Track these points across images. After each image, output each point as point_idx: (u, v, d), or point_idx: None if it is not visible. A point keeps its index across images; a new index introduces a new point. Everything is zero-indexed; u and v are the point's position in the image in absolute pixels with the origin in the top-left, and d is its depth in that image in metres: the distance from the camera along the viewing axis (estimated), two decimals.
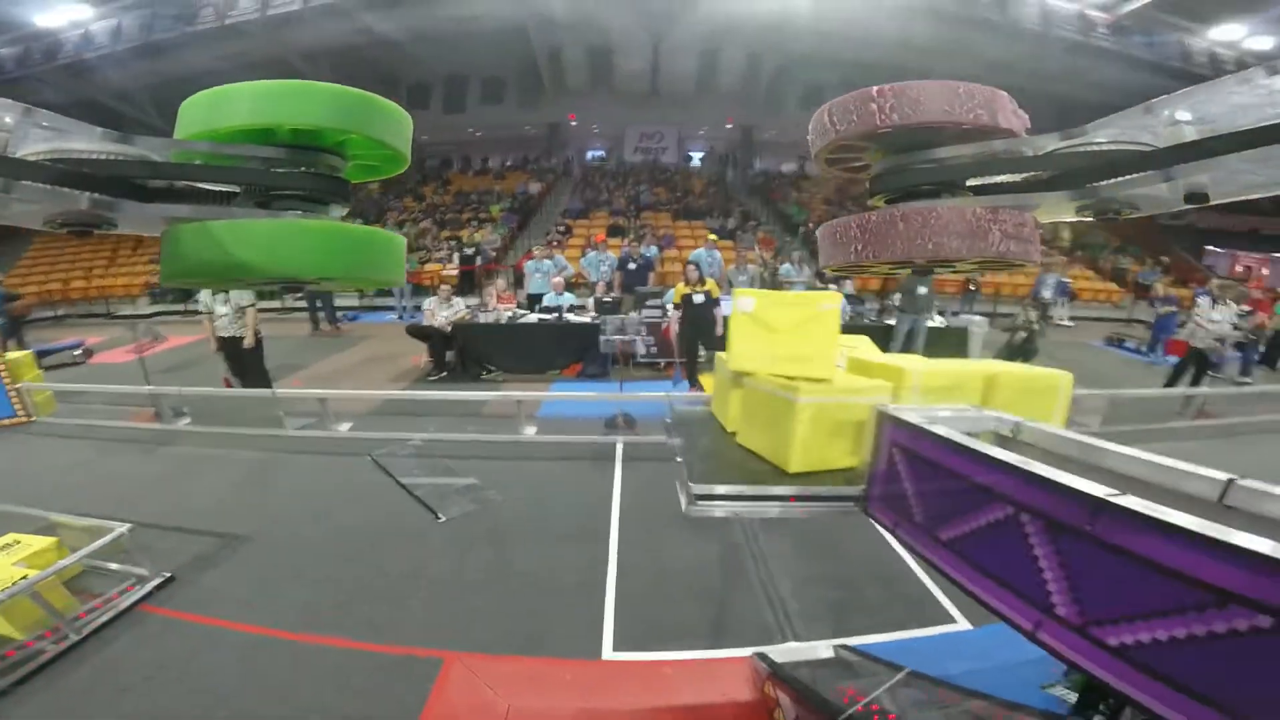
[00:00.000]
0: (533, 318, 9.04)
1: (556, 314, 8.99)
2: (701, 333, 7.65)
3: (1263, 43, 18.57)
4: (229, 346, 7.17)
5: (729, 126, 24.99)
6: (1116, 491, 0.97)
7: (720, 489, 1.73)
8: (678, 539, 4.25)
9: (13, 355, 7.29)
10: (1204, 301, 7.82)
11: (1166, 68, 18.58)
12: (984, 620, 3.30)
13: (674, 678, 2.98)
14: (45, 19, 18.24)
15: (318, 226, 1.03)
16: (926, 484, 1.40)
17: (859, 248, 1.20)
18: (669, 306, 8.46)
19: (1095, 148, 0.99)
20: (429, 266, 15.86)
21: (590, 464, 5.61)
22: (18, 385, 6.98)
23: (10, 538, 3.65)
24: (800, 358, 1.94)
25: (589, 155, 26.41)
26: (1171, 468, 1.20)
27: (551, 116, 24.34)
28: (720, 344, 7.14)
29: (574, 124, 24.87)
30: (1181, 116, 0.87)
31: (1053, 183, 1.06)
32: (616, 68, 21.39)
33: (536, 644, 3.22)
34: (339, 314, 13.33)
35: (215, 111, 0.98)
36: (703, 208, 20.66)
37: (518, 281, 12.16)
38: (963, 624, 3.39)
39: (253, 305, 7.04)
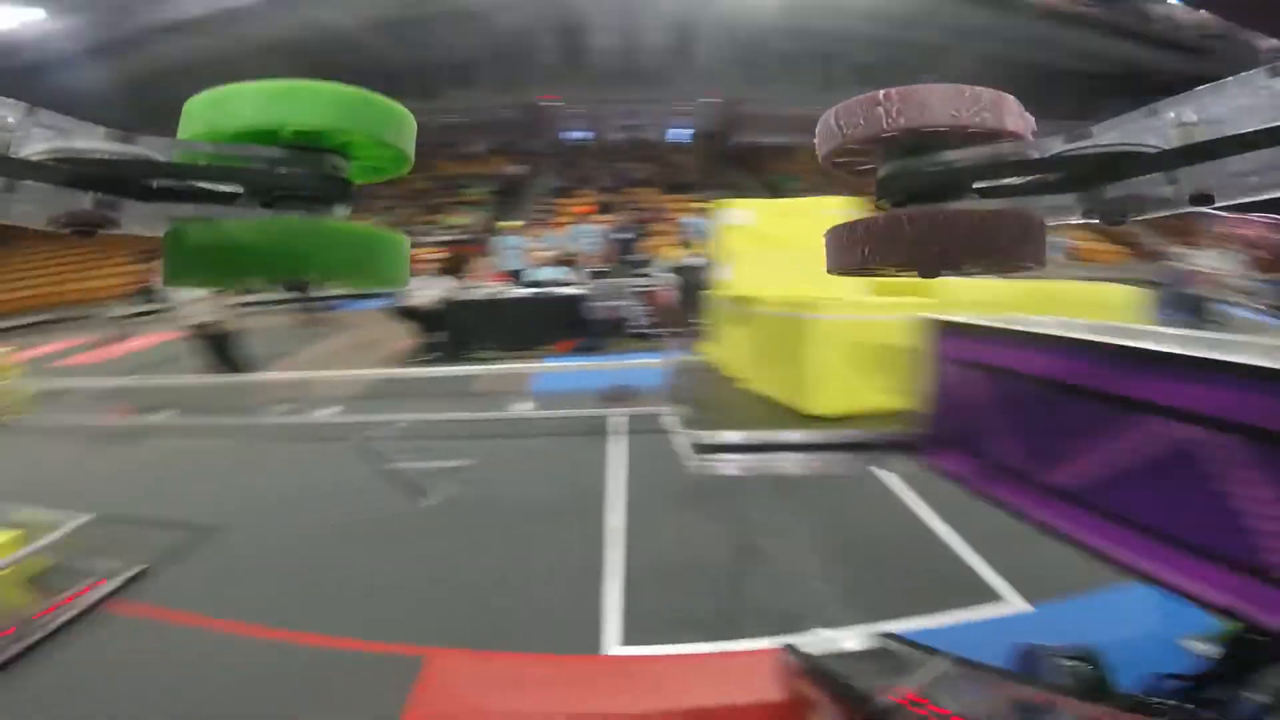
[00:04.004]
0: (523, 291, 8.80)
1: (543, 288, 8.76)
2: (699, 299, 7.30)
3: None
4: (206, 334, 6.87)
5: (712, 101, 24.47)
6: None
7: (729, 437, 1.39)
8: (685, 516, 3.94)
9: None
10: (1207, 253, 7.85)
11: (1152, 37, 18.11)
12: (1041, 598, 2.99)
13: (686, 675, 2.64)
14: None
15: (321, 227, 1.00)
16: (1023, 411, 1.11)
17: (865, 251, 1.12)
18: (663, 276, 8.22)
19: (1100, 150, 0.94)
20: (413, 252, 15.47)
21: (587, 439, 5.34)
22: None
23: None
24: (815, 275, 1.58)
25: (570, 136, 25.75)
26: None
27: (528, 99, 23.54)
28: None
29: (552, 105, 24.28)
30: (1186, 118, 0.84)
31: (1058, 185, 1.02)
32: (590, 46, 20.95)
33: (530, 638, 2.90)
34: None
35: (218, 111, 0.96)
36: (691, 182, 20.23)
37: None
38: (1016, 603, 3.02)
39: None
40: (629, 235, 10.72)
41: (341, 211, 1.09)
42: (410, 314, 8.55)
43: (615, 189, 19.58)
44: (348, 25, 18.41)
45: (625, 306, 6.64)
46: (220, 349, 7.04)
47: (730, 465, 1.38)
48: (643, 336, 8.50)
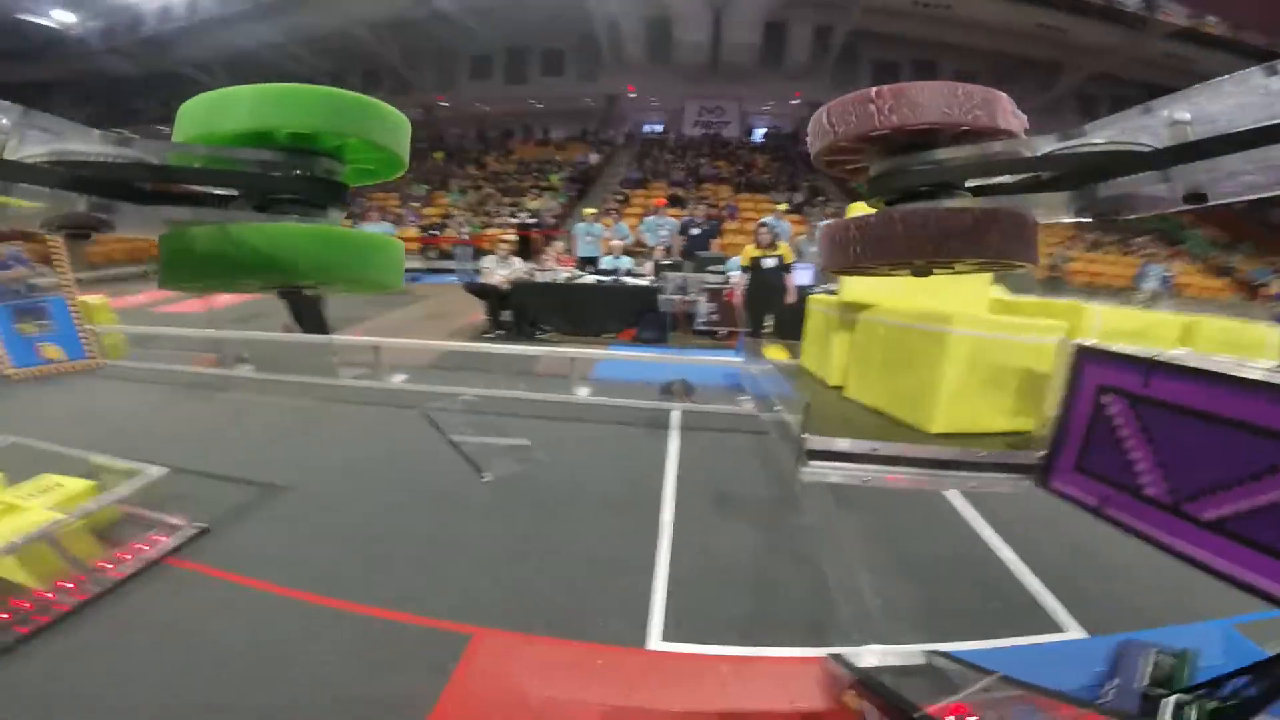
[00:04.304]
0: (590, 278, 8.89)
1: (614, 277, 8.83)
2: (770, 301, 7.15)
3: None
4: (289, 292, 7.21)
5: (795, 102, 24.03)
6: None
7: (845, 445, 1.28)
8: (740, 517, 3.85)
9: (88, 298, 7.51)
10: None
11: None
12: (1100, 629, 2.83)
13: (731, 677, 2.58)
14: None
15: (316, 231, 1.02)
16: (1175, 442, 1.05)
17: (857, 249, 1.16)
18: (733, 274, 8.06)
19: (1093, 148, 0.95)
20: (489, 231, 15.89)
21: (645, 430, 5.31)
22: (91, 328, 7.18)
23: (49, 480, 3.44)
24: (940, 287, 1.45)
25: (645, 128, 25.76)
26: None
27: (610, 89, 24.11)
28: (791, 313, 6.69)
29: (632, 96, 24.48)
30: (1180, 117, 0.83)
31: (1051, 184, 1.02)
32: (676, 39, 21.08)
33: (577, 625, 2.88)
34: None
35: (213, 114, 0.98)
36: (766, 182, 19.91)
37: None
38: (1075, 632, 2.87)
39: None
40: (702, 230, 10.57)
41: (337, 214, 1.12)
42: (481, 292, 8.80)
43: (688, 184, 19.47)
44: (454, 6, 19.09)
45: (693, 302, 6.54)
46: (301, 309, 7.39)
47: (841, 474, 1.29)
48: (709, 334, 8.42)
